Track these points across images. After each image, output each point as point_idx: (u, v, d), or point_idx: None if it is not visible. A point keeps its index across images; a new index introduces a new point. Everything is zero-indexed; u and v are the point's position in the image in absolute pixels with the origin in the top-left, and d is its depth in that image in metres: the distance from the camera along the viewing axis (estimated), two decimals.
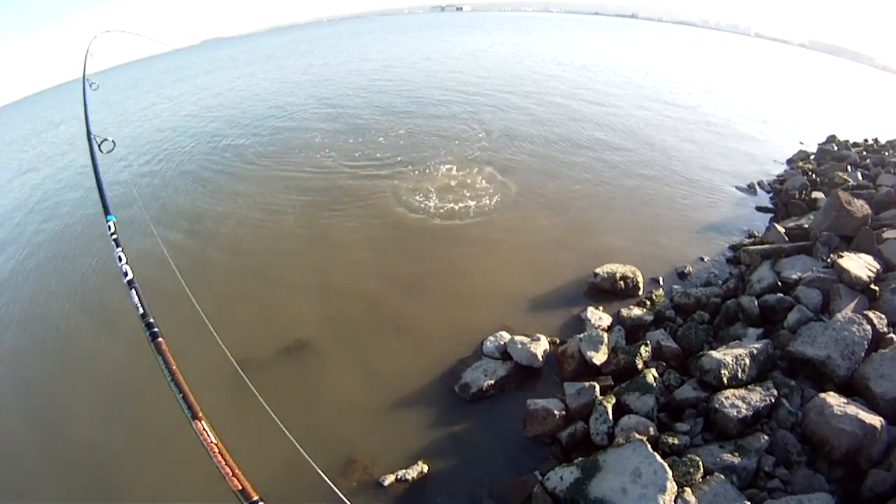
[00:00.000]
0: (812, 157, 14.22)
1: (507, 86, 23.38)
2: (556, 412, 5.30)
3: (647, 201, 11.11)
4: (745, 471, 4.21)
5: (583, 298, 7.59)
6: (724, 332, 6.28)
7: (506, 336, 6.51)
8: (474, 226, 9.86)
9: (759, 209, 10.97)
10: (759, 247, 7.97)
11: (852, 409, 4.28)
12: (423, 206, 10.65)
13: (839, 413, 4.27)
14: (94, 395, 6.56)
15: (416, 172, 12.51)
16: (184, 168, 14.94)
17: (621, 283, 7.59)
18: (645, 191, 11.67)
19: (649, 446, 4.31)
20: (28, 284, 9.66)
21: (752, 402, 4.69)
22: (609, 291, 7.59)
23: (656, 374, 5.49)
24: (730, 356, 5.15)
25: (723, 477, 4.09)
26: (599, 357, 5.93)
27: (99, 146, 3.56)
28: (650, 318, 6.83)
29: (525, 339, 6.33)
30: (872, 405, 4.48)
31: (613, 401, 5.16)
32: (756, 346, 5.37)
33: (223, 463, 1.45)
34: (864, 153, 13.72)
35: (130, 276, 2.34)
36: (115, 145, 3.66)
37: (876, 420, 4.18)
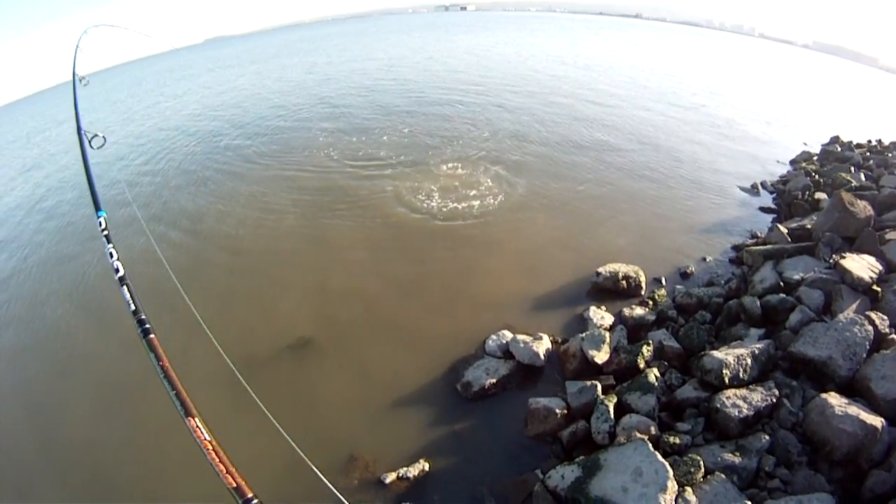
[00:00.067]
0: (815, 157, 14.18)
1: (511, 86, 23.38)
2: (557, 411, 5.31)
3: (650, 201, 11.11)
4: (745, 471, 4.22)
5: (585, 298, 7.60)
6: (726, 332, 6.28)
7: (508, 335, 6.52)
8: (477, 226, 9.87)
9: (762, 210, 10.97)
10: (761, 247, 7.96)
11: (853, 410, 4.28)
12: (425, 205, 10.67)
13: (840, 413, 4.26)
14: (92, 392, 6.60)
15: (419, 172, 12.52)
16: (185, 167, 15.00)
17: (624, 282, 7.59)
18: (647, 191, 11.67)
19: (650, 445, 4.32)
20: (29, 283, 9.72)
21: (754, 402, 4.69)
22: (611, 291, 7.60)
23: (658, 374, 5.49)
24: (731, 356, 5.15)
25: (723, 476, 4.10)
26: (601, 356, 5.94)
27: (89, 142, 3.53)
28: (652, 317, 6.84)
29: (527, 338, 6.34)
30: (873, 406, 4.48)
31: (615, 400, 5.17)
32: (758, 346, 5.36)
33: (217, 460, 1.44)
34: (868, 154, 13.69)
35: (122, 272, 2.33)
36: (105, 141, 3.62)
37: (877, 421, 4.17)
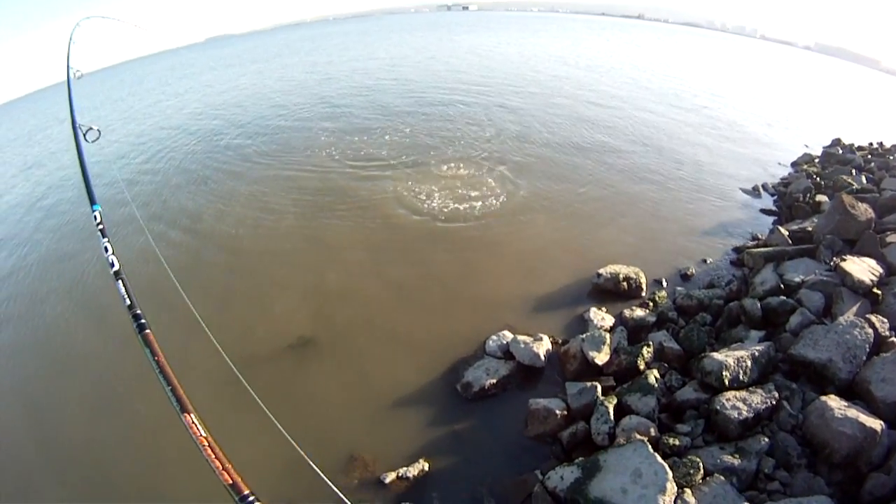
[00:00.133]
0: (817, 160, 14.17)
1: (513, 86, 23.36)
2: (557, 412, 5.31)
3: (651, 203, 11.10)
4: (745, 472, 4.22)
5: (586, 299, 7.59)
6: (727, 334, 6.27)
7: (508, 335, 6.52)
8: (478, 227, 9.86)
9: (763, 212, 10.97)
10: (762, 249, 7.97)
11: (853, 413, 4.28)
12: (426, 206, 10.65)
13: (840, 416, 4.27)
14: (91, 390, 6.60)
15: (421, 173, 12.51)
16: (186, 166, 14.99)
17: (624, 284, 7.58)
18: (648, 193, 11.66)
19: (650, 447, 4.32)
20: (28, 281, 9.71)
21: (753, 405, 4.69)
22: (612, 292, 7.60)
23: (658, 376, 5.49)
24: (731, 358, 5.15)
25: (723, 478, 4.10)
26: (601, 357, 5.94)
27: (84, 135, 3.51)
28: (653, 319, 6.84)
29: (528, 339, 6.34)
30: (873, 409, 4.48)
31: (615, 401, 5.17)
32: (758, 348, 5.37)
33: (213, 457, 1.44)
34: (869, 157, 13.68)
35: (117, 266, 2.31)
36: (100, 134, 3.59)
37: (876, 424, 4.18)
